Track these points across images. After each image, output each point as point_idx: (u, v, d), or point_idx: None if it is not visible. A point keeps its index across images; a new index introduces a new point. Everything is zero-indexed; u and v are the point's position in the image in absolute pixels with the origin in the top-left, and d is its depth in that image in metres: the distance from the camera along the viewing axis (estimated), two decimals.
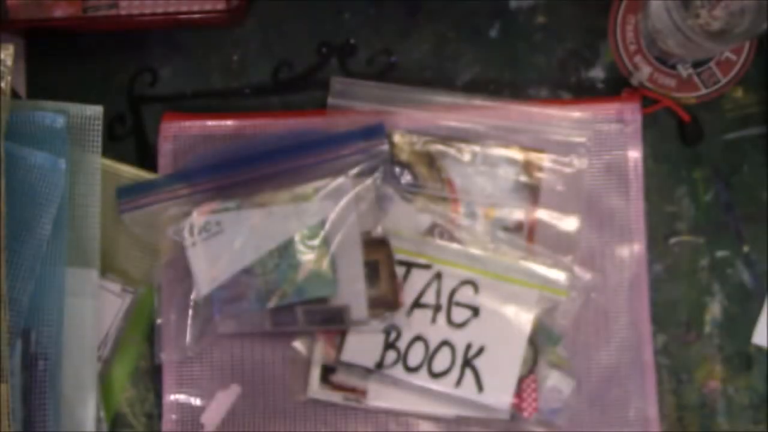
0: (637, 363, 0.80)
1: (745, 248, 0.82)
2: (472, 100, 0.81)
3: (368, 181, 0.77)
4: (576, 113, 0.80)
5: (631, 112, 0.81)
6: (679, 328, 0.82)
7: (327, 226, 0.76)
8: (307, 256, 0.76)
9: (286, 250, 0.76)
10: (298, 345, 0.81)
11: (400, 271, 0.79)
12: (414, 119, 0.81)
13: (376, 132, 0.77)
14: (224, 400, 0.81)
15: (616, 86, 0.84)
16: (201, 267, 0.76)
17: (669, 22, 0.76)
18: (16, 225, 0.75)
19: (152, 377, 0.83)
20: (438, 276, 0.79)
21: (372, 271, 0.77)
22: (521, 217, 0.81)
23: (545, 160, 0.80)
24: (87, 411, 0.79)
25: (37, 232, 0.76)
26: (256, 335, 0.81)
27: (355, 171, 0.77)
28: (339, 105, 0.81)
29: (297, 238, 0.76)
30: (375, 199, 0.78)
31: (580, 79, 0.84)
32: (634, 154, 0.81)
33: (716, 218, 0.83)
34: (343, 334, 0.79)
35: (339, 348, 0.79)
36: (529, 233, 0.81)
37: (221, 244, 0.76)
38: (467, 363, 0.78)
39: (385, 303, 0.77)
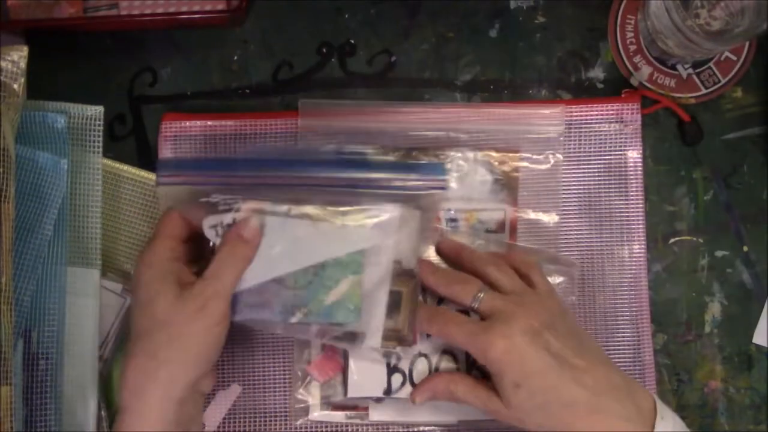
0: (637, 363, 0.81)
1: (745, 248, 0.83)
2: (440, 108, 0.82)
3: (417, 211, 0.73)
4: (545, 110, 0.81)
5: (630, 113, 0.81)
6: (679, 327, 0.82)
7: (368, 253, 0.72)
8: (341, 283, 0.72)
9: (323, 270, 0.71)
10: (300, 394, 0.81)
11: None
12: (385, 132, 0.81)
13: (437, 170, 0.72)
14: (224, 399, 0.81)
15: (616, 86, 0.84)
16: None
17: (669, 22, 0.76)
18: (19, 225, 0.75)
19: None
20: (422, 289, 0.79)
21: (394, 302, 0.74)
22: (501, 217, 0.81)
23: (520, 158, 0.81)
24: (88, 410, 0.79)
25: (39, 233, 0.76)
26: (257, 354, 0.82)
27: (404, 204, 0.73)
28: (310, 125, 0.82)
29: (336, 262, 0.72)
30: (419, 230, 0.74)
31: (580, 79, 0.84)
32: (634, 155, 0.81)
33: (716, 218, 0.83)
34: (343, 372, 0.79)
35: (343, 384, 0.79)
36: (511, 231, 0.81)
37: (261, 247, 0.71)
38: (472, 365, 0.78)
39: (399, 338, 0.75)
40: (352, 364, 0.78)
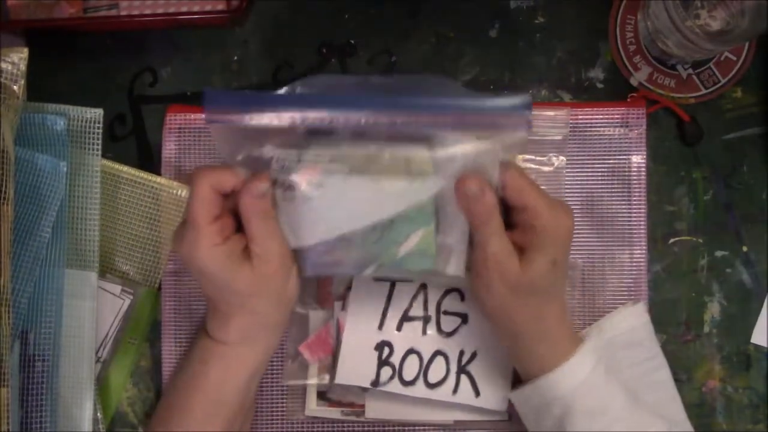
0: None
1: (744, 248, 0.83)
2: None
3: (494, 145, 0.66)
4: (550, 112, 0.80)
5: (636, 117, 0.81)
6: (678, 327, 0.83)
7: (441, 192, 0.67)
8: (411, 237, 0.68)
9: (390, 227, 0.68)
10: (292, 370, 0.81)
11: (384, 286, 0.79)
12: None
13: (522, 106, 0.64)
14: None
15: (616, 86, 0.84)
16: (290, 223, 0.68)
17: (669, 22, 0.76)
18: (17, 227, 0.74)
19: (152, 377, 0.83)
20: (423, 287, 0.80)
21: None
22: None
23: (523, 160, 0.80)
24: (84, 411, 0.79)
25: (37, 235, 0.76)
26: None
27: (482, 145, 0.66)
28: None
29: (403, 218, 0.68)
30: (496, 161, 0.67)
31: (580, 79, 0.84)
32: (638, 159, 0.81)
33: (715, 218, 0.83)
34: (334, 356, 0.79)
35: (332, 370, 0.79)
36: None
37: (320, 209, 0.67)
38: (462, 370, 0.78)
39: None
40: (344, 352, 0.79)
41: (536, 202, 0.67)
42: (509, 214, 0.69)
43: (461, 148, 0.66)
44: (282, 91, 0.66)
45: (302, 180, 0.66)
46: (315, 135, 0.66)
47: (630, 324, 0.79)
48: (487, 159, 0.66)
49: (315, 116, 0.63)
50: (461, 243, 0.69)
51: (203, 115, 0.63)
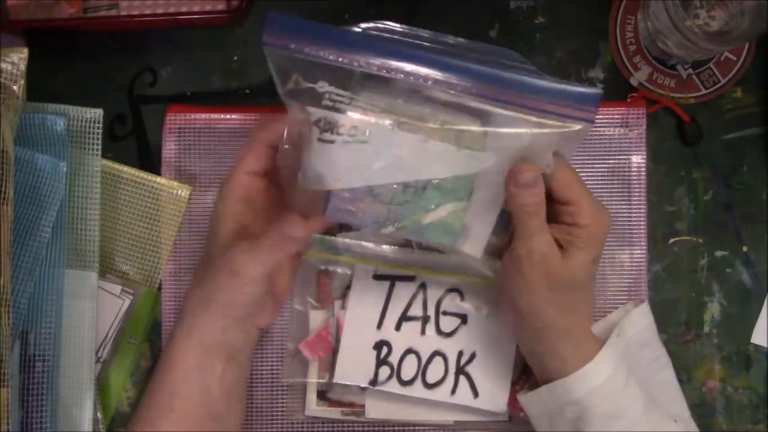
0: None
1: (744, 248, 0.83)
2: None
3: (551, 134, 0.65)
4: None
5: (636, 117, 0.80)
6: (678, 327, 0.83)
7: (481, 174, 0.67)
8: (441, 208, 0.67)
9: (423, 192, 0.66)
10: (292, 368, 0.81)
11: (384, 285, 0.79)
12: None
13: (590, 98, 0.64)
14: None
15: (616, 86, 0.84)
16: (322, 163, 0.65)
17: (668, 22, 0.76)
18: (17, 227, 0.74)
19: None
20: (423, 286, 0.80)
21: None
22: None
23: None
24: (84, 412, 0.79)
25: (37, 235, 0.76)
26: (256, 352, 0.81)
27: (539, 131, 0.64)
28: None
29: (438, 186, 0.66)
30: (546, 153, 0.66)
31: (580, 79, 0.84)
32: (638, 159, 0.80)
33: (715, 218, 0.83)
34: (334, 355, 0.79)
35: (331, 369, 0.79)
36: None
37: (358, 156, 0.64)
38: (460, 371, 0.78)
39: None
40: (342, 351, 0.79)
41: (583, 199, 0.67)
42: (549, 207, 0.68)
43: (517, 132, 0.64)
44: (348, 29, 0.66)
45: (348, 122, 0.63)
46: (371, 81, 0.65)
47: (642, 324, 0.78)
48: (542, 148, 0.65)
49: (378, 64, 0.63)
50: (486, 229, 0.69)
51: (262, 38, 0.63)
